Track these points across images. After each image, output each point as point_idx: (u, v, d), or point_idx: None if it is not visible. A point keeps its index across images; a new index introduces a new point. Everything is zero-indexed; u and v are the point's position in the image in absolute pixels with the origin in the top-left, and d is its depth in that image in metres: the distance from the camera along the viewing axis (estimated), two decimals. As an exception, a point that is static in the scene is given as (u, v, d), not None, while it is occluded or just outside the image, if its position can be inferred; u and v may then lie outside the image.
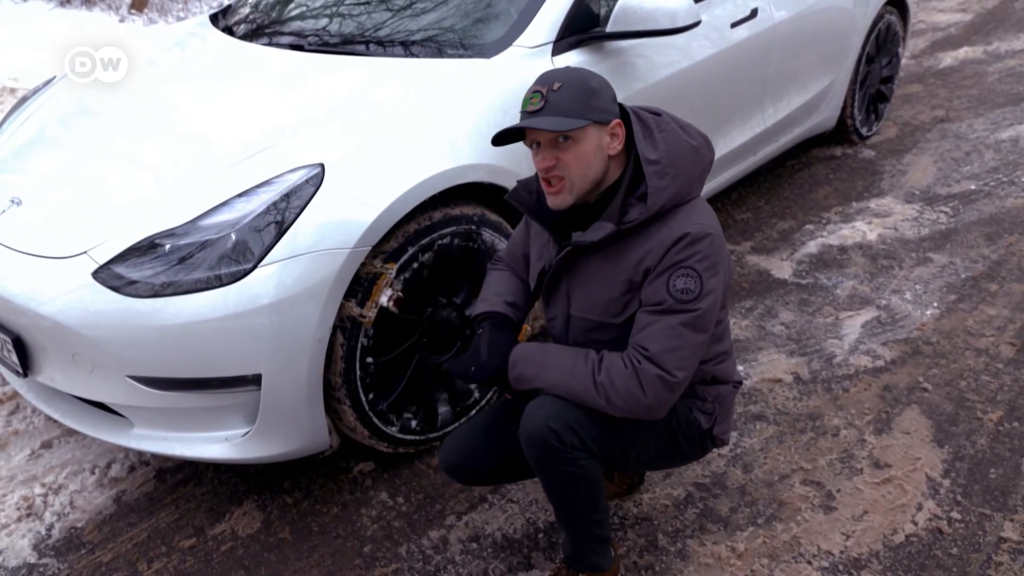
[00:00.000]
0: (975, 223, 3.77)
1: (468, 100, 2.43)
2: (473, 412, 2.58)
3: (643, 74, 2.85)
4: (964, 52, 6.39)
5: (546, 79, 1.71)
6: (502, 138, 1.77)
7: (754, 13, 3.32)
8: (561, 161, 1.69)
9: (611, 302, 1.78)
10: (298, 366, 2.11)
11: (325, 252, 2.07)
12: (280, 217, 2.09)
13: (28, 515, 2.40)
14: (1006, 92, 5.46)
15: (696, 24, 2.67)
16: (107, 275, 2.11)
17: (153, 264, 2.11)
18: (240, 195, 2.14)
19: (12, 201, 2.45)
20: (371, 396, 2.29)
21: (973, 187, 4.13)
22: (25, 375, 2.34)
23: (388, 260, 2.20)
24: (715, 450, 2.45)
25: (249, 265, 2.05)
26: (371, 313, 2.18)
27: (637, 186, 1.73)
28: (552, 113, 1.66)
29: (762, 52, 3.42)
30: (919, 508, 2.26)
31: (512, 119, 2.43)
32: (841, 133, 4.54)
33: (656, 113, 1.79)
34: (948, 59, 6.25)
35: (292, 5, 3.24)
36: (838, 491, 2.33)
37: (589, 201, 1.77)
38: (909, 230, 3.74)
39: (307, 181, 2.13)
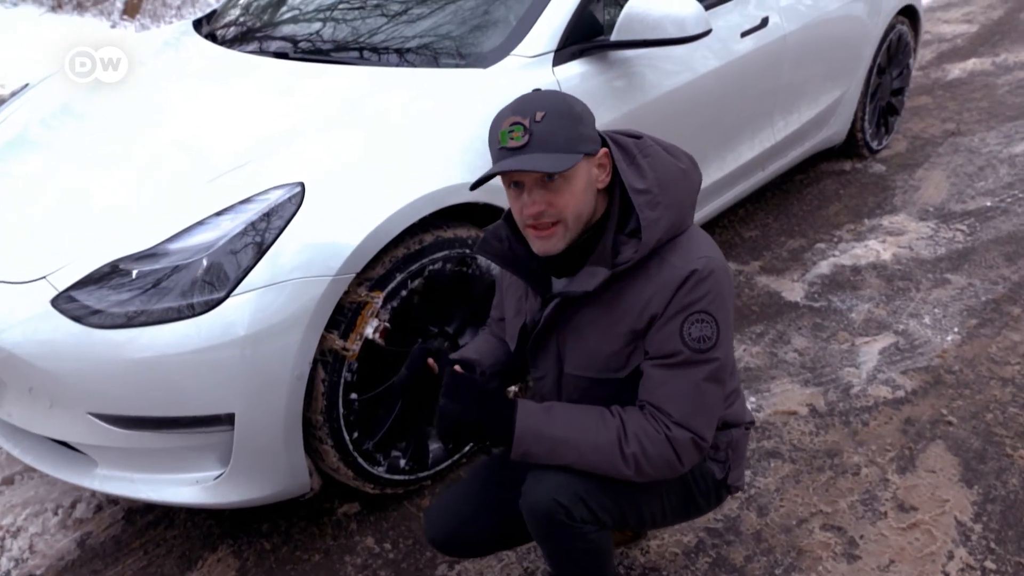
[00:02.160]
0: (993, 242, 3.61)
1: (463, 113, 2.26)
2: (466, 448, 2.40)
3: (650, 86, 2.68)
4: (972, 64, 6.24)
5: (524, 108, 1.45)
6: (481, 179, 1.52)
7: (764, 22, 3.15)
8: (553, 204, 1.46)
9: (612, 356, 1.56)
10: (275, 404, 1.93)
11: (304, 280, 1.90)
12: (257, 240, 1.92)
13: (-17, 561, 2.22)
14: (1017, 105, 5.30)
15: (707, 33, 2.50)
16: (67, 303, 1.94)
17: (118, 291, 1.93)
18: (214, 215, 1.97)
19: (-31, 219, 2.27)
20: (355, 435, 2.11)
21: (989, 204, 3.96)
22: (-20, 409, 2.16)
23: (374, 288, 2.02)
24: (727, 491, 2.29)
25: (223, 293, 1.88)
26: (355, 346, 2.00)
27: (626, 221, 1.52)
28: (540, 149, 1.41)
29: (773, 63, 3.26)
30: (950, 557, 2.08)
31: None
32: (851, 147, 4.37)
33: (636, 136, 1.57)
34: (956, 71, 6.10)
35: (279, 11, 3.06)
36: (861, 537, 2.15)
37: (572, 244, 1.53)
38: (924, 249, 3.57)
39: (287, 201, 1.95)
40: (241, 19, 3.08)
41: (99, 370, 1.91)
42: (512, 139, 1.43)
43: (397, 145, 2.14)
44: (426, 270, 2.12)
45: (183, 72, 2.92)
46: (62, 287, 1.95)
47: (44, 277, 1.99)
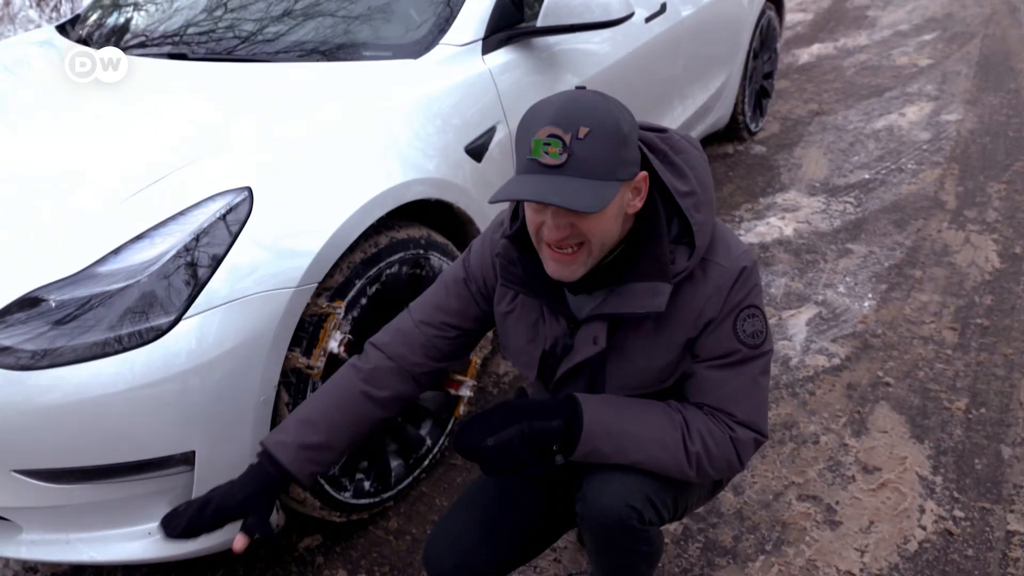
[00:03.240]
0: (880, 211, 3.79)
1: (399, 107, 2.12)
2: (426, 463, 2.26)
3: (573, 73, 2.62)
4: (817, 49, 6.61)
5: (568, 119, 1.23)
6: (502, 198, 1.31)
7: (663, 8, 3.18)
8: (578, 230, 1.29)
9: (664, 369, 1.45)
10: (239, 435, 1.73)
11: (262, 295, 1.71)
12: (203, 256, 1.70)
13: None
14: (867, 84, 5.65)
15: (630, 16, 2.48)
16: (-27, 343, 1.66)
17: (35, 326, 1.67)
18: (145, 234, 1.73)
19: None
20: (321, 460, 1.93)
21: (867, 176, 4.18)
22: None
23: (334, 297, 1.86)
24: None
25: (167, 320, 1.66)
26: (319, 363, 1.84)
27: (668, 227, 1.38)
28: (577, 172, 1.22)
29: (672, 48, 3.29)
30: (922, 511, 2.14)
31: (450, 127, 2.16)
32: (733, 130, 4.51)
33: (660, 130, 1.45)
34: (805, 56, 6.44)
35: (168, 8, 2.78)
36: (837, 503, 2.18)
37: (600, 262, 1.38)
38: (822, 223, 3.71)
39: (232, 210, 1.75)
40: (122, 20, 2.79)
41: (18, 419, 1.65)
42: (547, 154, 1.23)
43: (338, 144, 1.97)
44: (383, 274, 1.97)
45: (69, 82, 2.59)
46: (-33, 326, 1.67)
47: (-56, 315, 1.70)
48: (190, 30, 2.59)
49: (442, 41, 2.30)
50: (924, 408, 2.51)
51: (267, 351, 1.72)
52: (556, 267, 1.35)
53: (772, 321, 2.98)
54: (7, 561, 2.10)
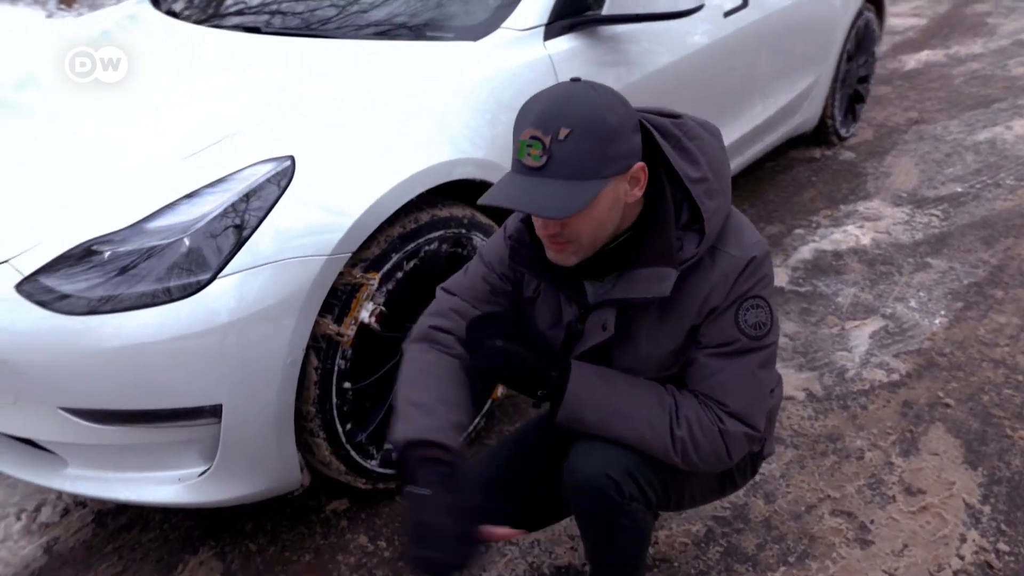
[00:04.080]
0: (968, 226, 3.62)
1: (455, 87, 2.14)
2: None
3: (639, 63, 2.60)
4: (926, 55, 6.33)
5: (549, 120, 1.24)
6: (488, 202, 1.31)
7: (745, 3, 3.10)
8: (567, 226, 1.31)
9: (669, 356, 1.45)
10: (265, 394, 1.79)
11: (297, 260, 1.76)
12: (242, 219, 1.77)
13: (-61, 573, 2.03)
14: (974, 94, 5.38)
15: (699, 8, 2.43)
16: (34, 288, 1.76)
17: (89, 275, 1.77)
18: (193, 194, 1.82)
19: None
20: (348, 426, 1.98)
21: (960, 189, 3.99)
22: (-64, 406, 1.97)
23: (369, 269, 1.90)
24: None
25: (206, 276, 1.73)
26: (350, 331, 1.88)
27: (677, 214, 1.38)
28: (556, 174, 1.24)
29: (754, 44, 3.21)
30: (963, 540, 2.04)
31: (504, 109, 2.16)
32: (821, 134, 4.37)
33: (674, 116, 1.43)
34: (912, 62, 6.17)
35: None
36: (872, 522, 2.10)
37: (606, 247, 1.39)
38: (903, 234, 3.56)
39: (275, 176, 1.81)
40: (206, -6, 2.91)
41: (70, 361, 1.75)
42: (529, 156, 1.25)
43: (389, 120, 2.02)
44: (422, 251, 2.00)
45: (148, 51, 2.73)
46: (28, 271, 1.78)
47: (7, 261, 1.81)
48: (269, 6, 2.68)
49: (504, 25, 2.31)
50: (983, 434, 2.39)
51: (297, 315, 1.77)
52: (553, 255, 1.37)
53: (834, 331, 2.89)
54: (60, 494, 2.23)
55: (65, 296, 1.75)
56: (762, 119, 3.49)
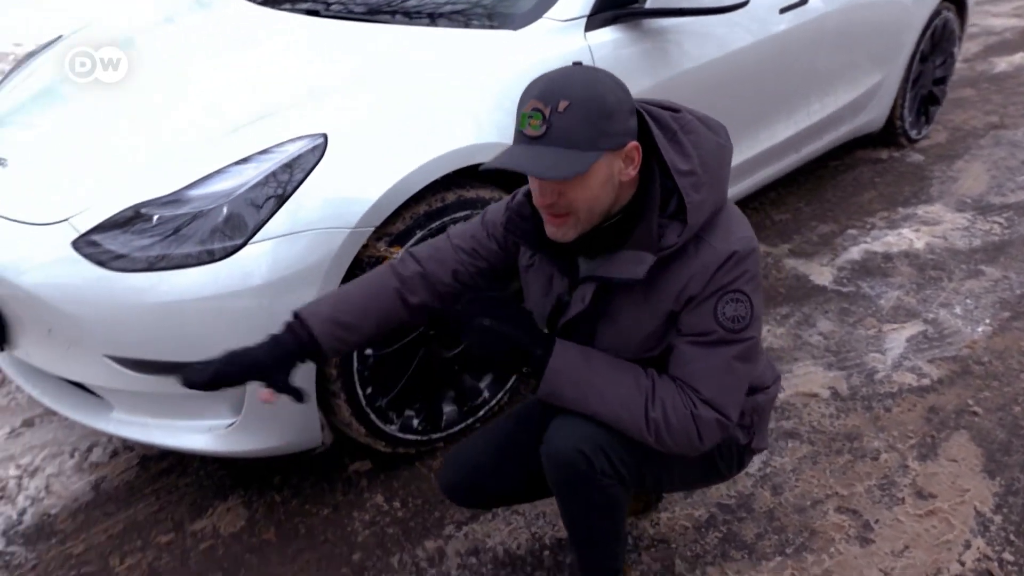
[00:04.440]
0: (1031, 236, 3.52)
1: (491, 75, 2.23)
2: (481, 413, 2.38)
3: (683, 58, 2.63)
4: (1020, 58, 6.08)
5: (550, 93, 1.33)
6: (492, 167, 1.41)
7: (804, 0, 3.08)
8: (564, 196, 1.38)
9: (648, 338, 1.51)
10: (288, 355, 1.92)
11: (323, 231, 1.89)
12: (277, 189, 1.90)
13: (1, 497, 2.24)
14: (1064, 101, 5.17)
15: (744, 4, 2.46)
16: (87, 245, 1.94)
17: (139, 236, 1.93)
18: (235, 164, 1.96)
19: (-1, 161, 2.29)
20: (369, 391, 2.10)
21: (1029, 198, 3.87)
22: (2, 348, 2.18)
23: (393, 243, 2.01)
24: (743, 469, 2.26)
25: (241, 240, 1.87)
26: (372, 301, 1.99)
27: (666, 203, 1.44)
28: (555, 143, 1.32)
29: (811, 42, 3.19)
30: (967, 546, 2.04)
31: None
32: (889, 135, 4.28)
33: (674, 110, 1.49)
34: (1003, 64, 5.95)
35: None
36: (876, 522, 2.11)
37: (599, 226, 1.46)
38: (960, 240, 3.49)
39: (309, 152, 1.94)
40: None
41: (118, 313, 1.91)
42: (530, 126, 1.34)
43: (423, 103, 2.12)
44: (447, 228, 2.09)
45: (213, 28, 2.91)
46: (83, 229, 1.96)
47: (66, 219, 1.99)
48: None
49: (546, 15, 2.38)
50: (1008, 445, 2.36)
51: (320, 283, 1.89)
52: (551, 228, 1.44)
53: (870, 332, 2.87)
54: (110, 438, 2.42)
55: (116, 254, 1.92)
56: (820, 117, 3.47)
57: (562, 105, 1.31)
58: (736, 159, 3.05)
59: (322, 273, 1.89)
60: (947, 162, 4.30)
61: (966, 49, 6.26)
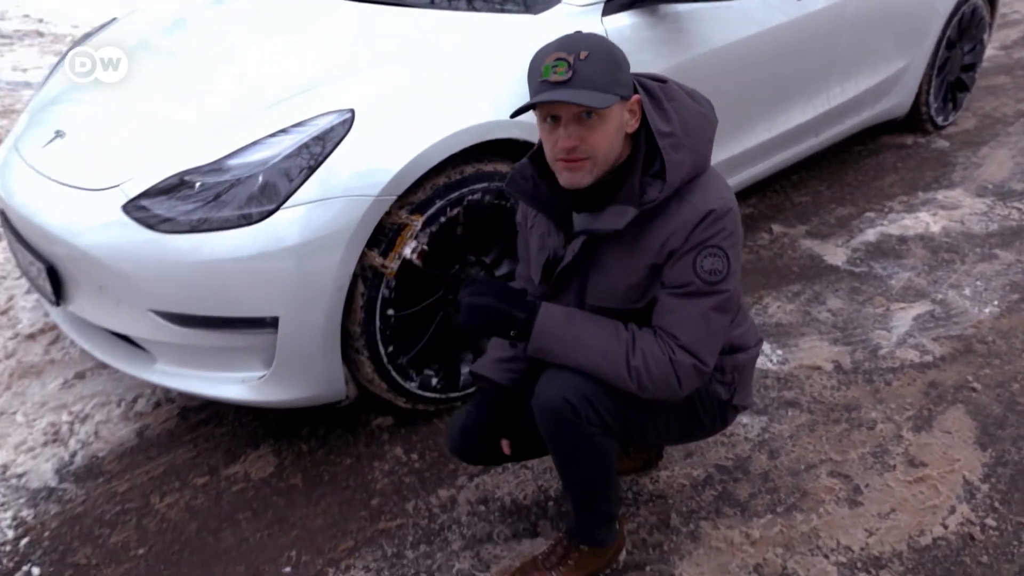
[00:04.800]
0: (1050, 222, 3.57)
1: (509, 56, 2.36)
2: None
3: (698, 42, 2.73)
4: (1059, 46, 6.05)
5: (571, 45, 1.51)
6: (523, 108, 1.59)
7: (824, -14, 3.17)
8: (586, 141, 1.52)
9: (632, 288, 1.66)
10: (316, 312, 2.09)
11: (349, 198, 2.04)
12: (309, 160, 2.07)
13: (54, 441, 2.45)
14: (1101, 89, 5.15)
15: (757, -10, 2.55)
16: (136, 209, 2.12)
17: (183, 201, 2.11)
18: (270, 135, 2.13)
19: (56, 133, 2.49)
20: (390, 349, 2.26)
21: (1052, 185, 3.90)
22: (57, 304, 2.37)
23: (414, 212, 2.16)
24: (742, 434, 2.38)
25: (274, 206, 2.04)
26: (394, 264, 2.15)
27: (650, 163, 1.60)
28: (582, 86, 1.47)
29: (831, 27, 3.27)
30: (951, 511, 2.14)
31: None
32: (914, 121, 4.33)
33: (661, 80, 1.65)
34: (1041, 52, 5.92)
35: None
36: (867, 486, 2.22)
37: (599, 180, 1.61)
38: (976, 224, 3.55)
39: (339, 125, 2.10)
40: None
41: (163, 271, 2.09)
42: (556, 73, 1.48)
43: (445, 82, 2.26)
44: (465, 199, 2.24)
45: (259, 10, 3.08)
46: (132, 195, 2.14)
47: (117, 185, 2.18)
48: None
49: (564, 0, 2.51)
50: (1003, 419, 2.45)
51: (345, 246, 2.05)
52: (568, 176, 1.58)
53: (878, 311, 2.96)
54: (154, 389, 2.61)
55: (162, 217, 2.10)
56: (840, 101, 3.54)
57: (583, 54, 1.48)
58: (752, 141, 3.17)
59: (348, 236, 2.05)
60: (972, 148, 4.33)
61: (1004, 36, 6.24)
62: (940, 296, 3.05)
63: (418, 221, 2.16)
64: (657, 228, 1.59)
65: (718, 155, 3.00)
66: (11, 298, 3.08)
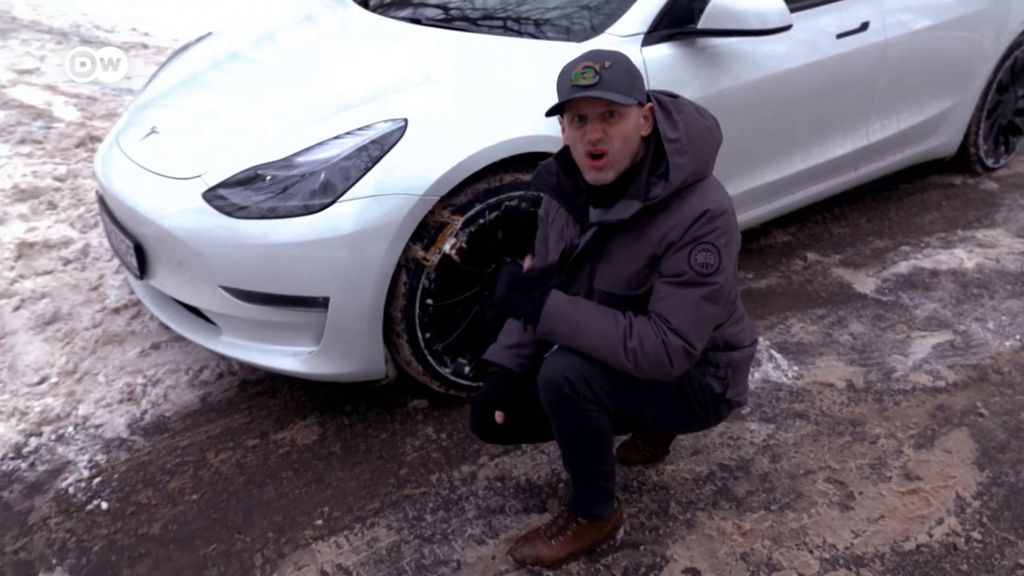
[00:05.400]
0: (1086, 266, 3.62)
1: (550, 79, 2.56)
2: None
3: (736, 73, 2.93)
4: None
5: (596, 56, 1.79)
6: (553, 109, 1.86)
7: (864, 27, 3.32)
8: (607, 135, 1.78)
9: (634, 276, 1.88)
10: (362, 295, 2.34)
11: (398, 195, 2.31)
12: (365, 161, 2.34)
13: (128, 399, 2.76)
14: None
15: (787, 28, 2.74)
16: (215, 198, 2.43)
17: (256, 191, 2.41)
18: (335, 138, 2.41)
19: (152, 129, 2.82)
20: (428, 335, 2.50)
21: (1096, 231, 3.95)
22: (141, 278, 2.69)
23: (456, 212, 2.41)
24: (748, 438, 2.55)
25: (332, 199, 2.31)
26: (434, 258, 2.40)
27: (657, 165, 1.83)
28: (607, 88, 1.74)
29: (870, 67, 3.42)
30: (939, 522, 2.27)
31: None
32: (963, 161, 4.41)
33: (673, 96, 1.90)
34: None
35: None
36: (860, 493, 2.36)
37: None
38: (1012, 263, 3.63)
39: (393, 132, 2.37)
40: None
41: (233, 252, 2.39)
42: (584, 79, 1.75)
43: (492, 98, 2.53)
44: (503, 205, 2.48)
45: (341, 31, 3.41)
46: (212, 184, 2.45)
47: (199, 176, 2.49)
48: (427, 3, 3.27)
49: (607, 31, 2.75)
50: (1006, 444, 2.56)
51: (391, 238, 2.31)
52: (593, 173, 1.84)
53: (899, 337, 3.09)
54: (218, 362, 2.91)
55: (242, 207, 2.39)
56: (880, 137, 3.68)
57: (607, 63, 1.76)
58: (788, 171, 3.34)
59: (394, 230, 2.31)
60: (1021, 191, 4.39)
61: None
62: (963, 327, 3.16)
63: (458, 221, 2.40)
64: (659, 223, 1.82)
65: (753, 181, 3.22)
66: (102, 276, 3.43)
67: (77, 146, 4.61)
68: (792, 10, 3.02)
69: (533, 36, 2.83)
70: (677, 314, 1.80)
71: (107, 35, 7.13)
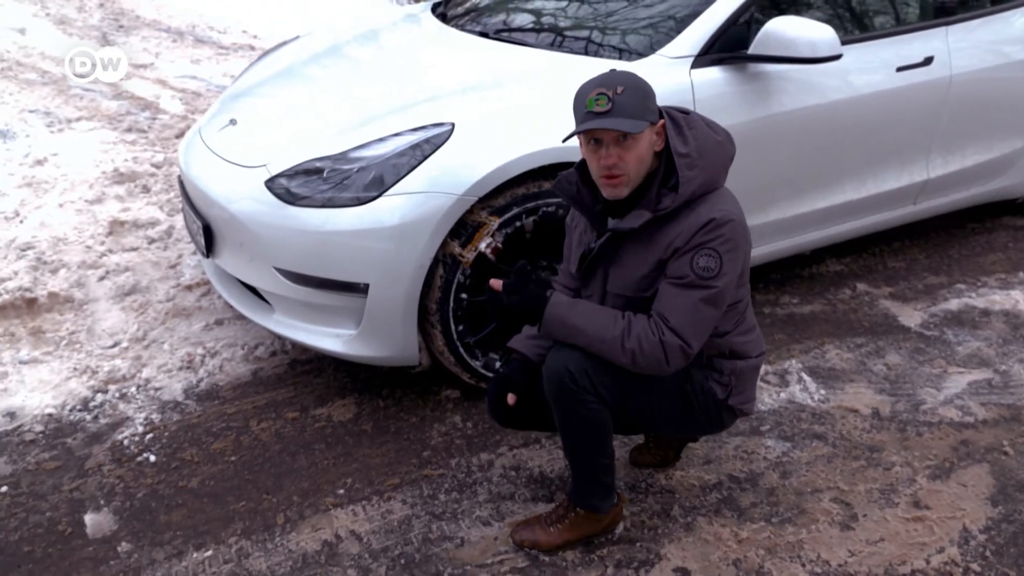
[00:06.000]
0: None
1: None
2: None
3: (786, 100, 3.00)
4: None
5: (609, 82, 1.88)
6: (572, 133, 1.98)
7: (927, 61, 3.33)
8: (623, 159, 1.89)
9: (643, 279, 1.99)
10: (399, 284, 2.52)
11: (439, 193, 2.48)
12: (413, 160, 2.52)
13: (188, 367, 3.01)
14: None
15: (837, 57, 2.80)
16: (276, 185, 2.65)
17: (314, 182, 2.62)
18: (389, 136, 2.61)
19: (231, 121, 3.08)
20: (460, 328, 2.66)
21: None
22: (208, 256, 2.94)
23: (493, 214, 2.56)
24: (762, 453, 2.61)
25: (378, 192, 2.50)
26: (470, 255, 2.55)
27: (669, 177, 1.94)
28: (619, 115, 1.84)
29: (932, 102, 3.42)
30: (940, 551, 2.28)
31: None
32: (1037, 204, 4.33)
33: (685, 112, 2.00)
34: None
35: (489, 4, 3.72)
36: (864, 515, 2.40)
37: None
38: (1069, 310, 3.56)
39: (440, 134, 2.55)
40: (461, 4, 3.75)
41: (290, 236, 2.60)
42: (598, 105, 1.86)
43: (536, 109, 2.68)
44: (540, 210, 2.63)
45: (412, 40, 3.63)
46: (274, 173, 2.67)
47: (264, 165, 2.72)
48: (495, 18, 3.46)
49: (659, 52, 2.86)
50: (1026, 484, 2.55)
51: (430, 233, 2.48)
52: (610, 191, 1.96)
53: (935, 371, 3.08)
54: (272, 340, 3.14)
55: (302, 196, 2.61)
56: (942, 173, 3.66)
57: (620, 89, 1.86)
58: (838, 199, 3.39)
59: (434, 225, 2.48)
60: (1096, 238, 4.28)
61: None
62: (1004, 367, 3.13)
63: (495, 222, 2.56)
64: (668, 231, 1.93)
65: (801, 207, 3.27)
66: (180, 256, 3.72)
67: (176, 137, 4.98)
68: (852, 41, 3.09)
69: (585, 54, 2.97)
70: (676, 314, 1.91)
71: (219, 36, 7.61)
